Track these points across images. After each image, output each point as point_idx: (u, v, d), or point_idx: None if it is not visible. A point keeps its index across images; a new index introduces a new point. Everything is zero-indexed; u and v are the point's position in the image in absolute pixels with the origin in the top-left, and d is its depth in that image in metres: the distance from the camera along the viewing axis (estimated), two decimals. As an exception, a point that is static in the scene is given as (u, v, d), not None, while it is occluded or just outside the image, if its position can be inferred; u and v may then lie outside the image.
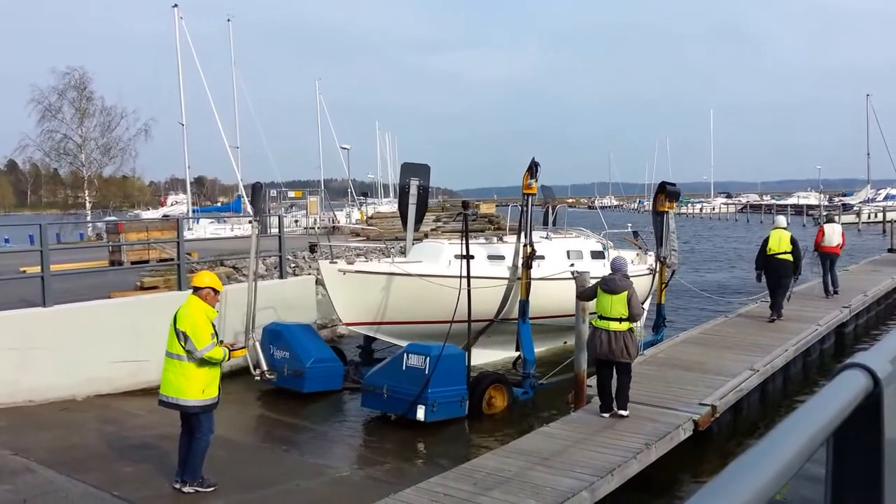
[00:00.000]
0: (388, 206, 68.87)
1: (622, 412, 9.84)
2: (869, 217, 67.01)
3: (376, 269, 14.43)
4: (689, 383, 11.32)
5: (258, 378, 13.43)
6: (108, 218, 35.68)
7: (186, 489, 8.48)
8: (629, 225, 21.34)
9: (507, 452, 8.79)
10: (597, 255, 16.88)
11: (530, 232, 13.78)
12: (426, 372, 11.49)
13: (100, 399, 12.73)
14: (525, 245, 13.57)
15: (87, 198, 41.18)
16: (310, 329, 14.91)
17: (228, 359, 8.64)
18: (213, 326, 8.56)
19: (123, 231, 20.22)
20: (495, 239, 16.73)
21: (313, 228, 40.65)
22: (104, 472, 9.17)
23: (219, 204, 68.04)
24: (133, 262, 18.53)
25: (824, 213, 22.29)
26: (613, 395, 9.93)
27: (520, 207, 14.31)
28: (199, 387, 8.33)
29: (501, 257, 15.16)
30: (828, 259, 19.25)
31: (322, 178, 64.71)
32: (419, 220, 16.63)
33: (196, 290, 8.63)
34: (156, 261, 18.78)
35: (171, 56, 40.98)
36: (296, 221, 44.10)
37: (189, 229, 34.58)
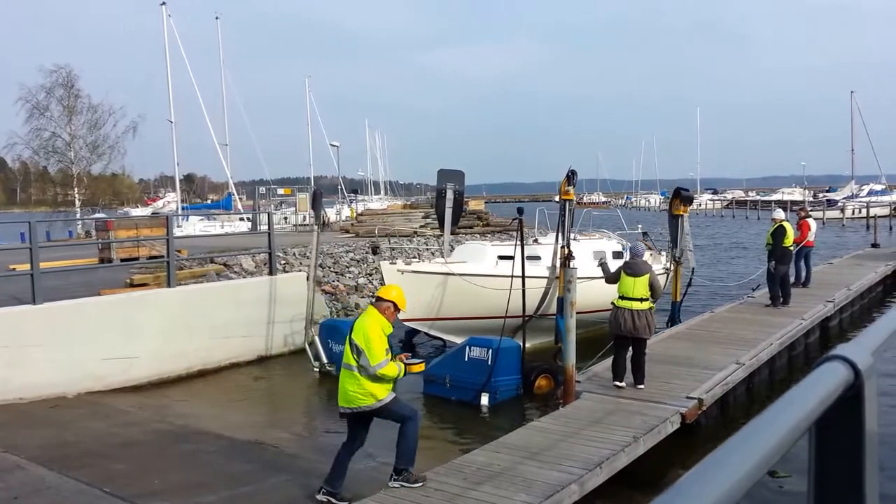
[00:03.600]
0: (378, 203, 68.85)
1: (640, 386, 10.88)
2: (853, 213, 67.29)
3: (432, 269, 15.41)
4: (676, 377, 11.43)
5: (317, 370, 14.56)
6: (97, 215, 35.50)
7: (393, 483, 7.93)
8: (639, 226, 22.06)
9: (497, 447, 8.85)
10: (617, 255, 17.71)
11: (567, 235, 14.87)
12: (489, 363, 12.52)
13: (91, 396, 12.71)
14: (562, 247, 14.65)
15: (76, 195, 40.94)
16: None
17: (404, 374, 8.27)
18: (388, 341, 8.19)
19: (113, 228, 20.17)
20: (531, 241, 17.55)
21: (305, 225, 40.74)
22: (95, 469, 9.16)
23: (209, 201, 67.74)
24: (123, 260, 18.52)
25: (807, 209, 22.55)
26: (627, 368, 11.04)
27: (558, 212, 15.54)
28: (376, 396, 7.99)
29: (538, 258, 16.00)
30: (806, 252, 19.93)
31: (312, 176, 64.58)
32: (455, 222, 17.56)
33: (379, 300, 8.30)
34: (145, 258, 18.78)
35: (159, 54, 40.98)
36: (285, 219, 44.05)
37: (178, 227, 34.50)
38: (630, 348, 11.10)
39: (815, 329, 16.51)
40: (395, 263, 15.25)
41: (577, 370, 13.40)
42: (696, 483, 0.98)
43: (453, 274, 15.24)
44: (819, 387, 1.34)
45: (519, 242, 14.33)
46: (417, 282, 14.88)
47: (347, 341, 8.08)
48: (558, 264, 14.68)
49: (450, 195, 16.55)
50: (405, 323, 15.56)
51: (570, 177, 14.84)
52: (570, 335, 11.18)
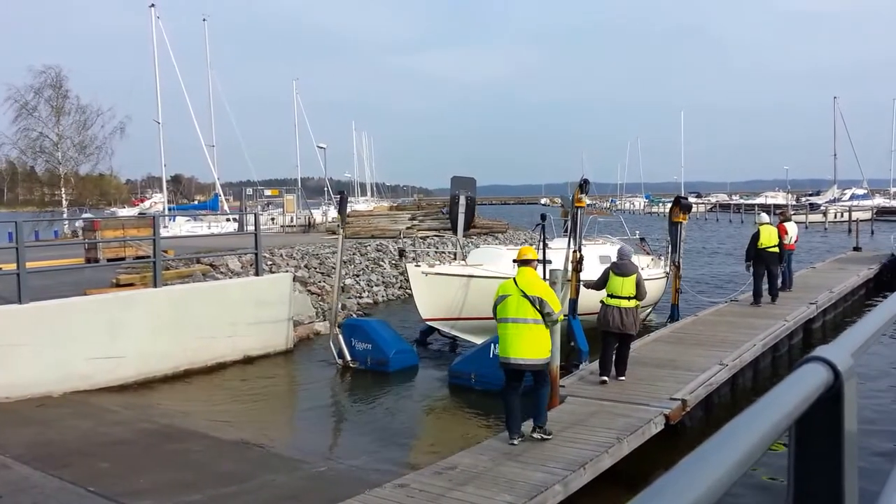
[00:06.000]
0: (365, 204, 68.85)
1: (622, 378, 11.47)
2: (835, 217, 67.67)
3: (454, 271, 16.19)
4: (659, 379, 11.48)
5: (340, 365, 15.14)
6: (84, 216, 35.35)
7: (535, 434, 8.97)
8: (637, 232, 22.65)
9: (481, 449, 8.87)
10: None
11: (580, 239, 15.46)
12: None
13: (76, 395, 12.67)
14: (574, 251, 15.17)
15: (63, 196, 40.70)
16: (385, 324, 16.33)
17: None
18: None
19: (100, 229, 20.10)
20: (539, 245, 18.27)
21: (291, 226, 40.72)
22: (80, 468, 9.14)
23: (195, 202, 67.53)
24: (109, 260, 18.46)
25: (788, 212, 22.91)
26: (613, 364, 11.61)
27: (569, 218, 16.25)
28: (548, 346, 9.14)
29: (549, 261, 16.41)
30: (787, 256, 20.11)
31: (299, 177, 64.50)
32: (467, 226, 18.56)
33: (527, 262, 9.47)
34: (132, 258, 18.73)
35: (147, 55, 40.95)
36: (272, 220, 44.02)
37: (165, 227, 34.42)
38: (617, 344, 11.63)
39: (798, 331, 16.67)
40: (419, 266, 15.99)
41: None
42: (678, 480, 0.99)
43: (475, 276, 16.00)
44: (799, 387, 1.37)
45: (542, 247, 15.07)
46: (441, 283, 15.71)
47: (518, 299, 9.02)
48: (570, 268, 15.14)
49: (462, 201, 17.59)
50: (427, 322, 16.37)
51: (583, 185, 15.58)
52: (555, 336, 11.24)
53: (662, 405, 10.11)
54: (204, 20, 49.28)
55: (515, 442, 8.84)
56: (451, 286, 15.91)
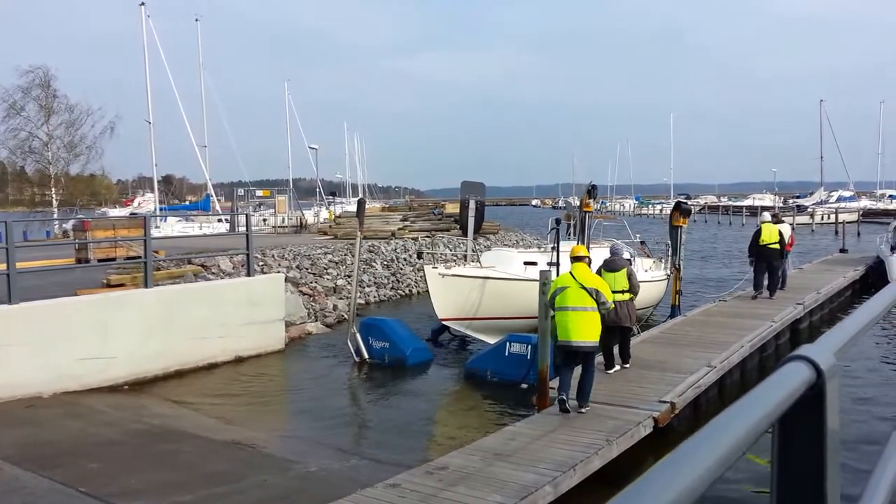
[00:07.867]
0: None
1: (626, 365, 12.25)
2: (822, 218, 67.98)
3: (470, 273, 16.66)
4: (648, 382, 11.54)
5: (358, 361, 15.79)
6: (76, 216, 35.20)
7: (583, 409, 10.11)
8: (637, 235, 23.39)
9: (472, 450, 8.91)
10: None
11: (588, 242, 16.03)
12: (528, 357, 13.61)
13: (67, 396, 12.65)
14: None
15: (53, 196, 40.51)
16: (401, 323, 16.80)
17: None
18: None
19: (90, 229, 20.03)
20: (550, 248, 18.61)
21: (283, 227, 40.66)
22: (71, 469, 9.14)
23: (187, 202, 67.33)
24: (100, 260, 18.40)
25: (779, 215, 23.19)
26: (614, 355, 12.28)
27: (576, 223, 17.27)
28: (599, 330, 10.20)
29: (556, 264, 16.62)
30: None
31: (291, 178, 64.37)
32: (477, 229, 19.33)
33: (580, 258, 10.50)
34: (123, 258, 18.68)
35: (137, 54, 40.80)
36: (264, 220, 43.93)
37: (156, 227, 34.30)
38: (618, 337, 12.32)
39: (785, 331, 16.79)
40: (436, 268, 16.53)
41: None
42: (661, 477, 1.00)
43: (490, 278, 16.50)
44: (782, 386, 1.39)
45: (556, 251, 15.61)
46: (457, 284, 16.16)
47: (576, 290, 10.05)
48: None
49: (472, 205, 18.32)
50: (443, 322, 16.78)
51: (591, 191, 16.28)
52: (545, 337, 11.29)
53: (651, 408, 10.17)
54: (196, 20, 49.32)
55: (564, 397, 10.03)
56: (467, 287, 16.33)
